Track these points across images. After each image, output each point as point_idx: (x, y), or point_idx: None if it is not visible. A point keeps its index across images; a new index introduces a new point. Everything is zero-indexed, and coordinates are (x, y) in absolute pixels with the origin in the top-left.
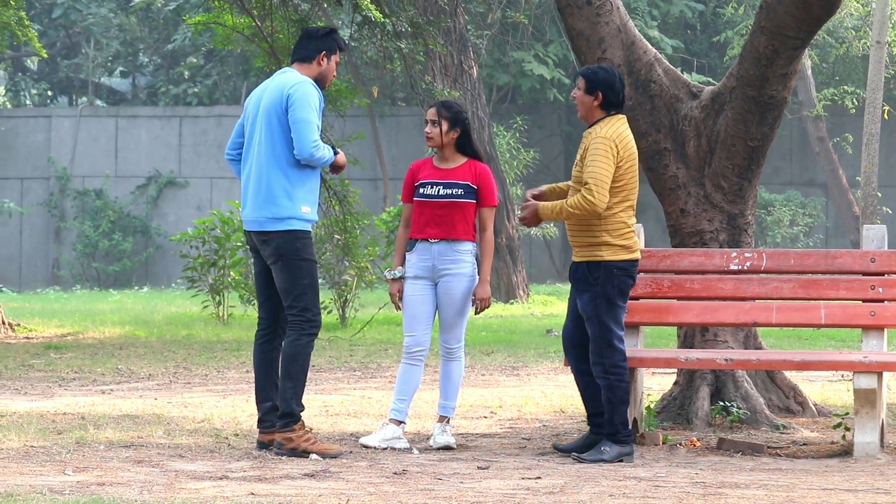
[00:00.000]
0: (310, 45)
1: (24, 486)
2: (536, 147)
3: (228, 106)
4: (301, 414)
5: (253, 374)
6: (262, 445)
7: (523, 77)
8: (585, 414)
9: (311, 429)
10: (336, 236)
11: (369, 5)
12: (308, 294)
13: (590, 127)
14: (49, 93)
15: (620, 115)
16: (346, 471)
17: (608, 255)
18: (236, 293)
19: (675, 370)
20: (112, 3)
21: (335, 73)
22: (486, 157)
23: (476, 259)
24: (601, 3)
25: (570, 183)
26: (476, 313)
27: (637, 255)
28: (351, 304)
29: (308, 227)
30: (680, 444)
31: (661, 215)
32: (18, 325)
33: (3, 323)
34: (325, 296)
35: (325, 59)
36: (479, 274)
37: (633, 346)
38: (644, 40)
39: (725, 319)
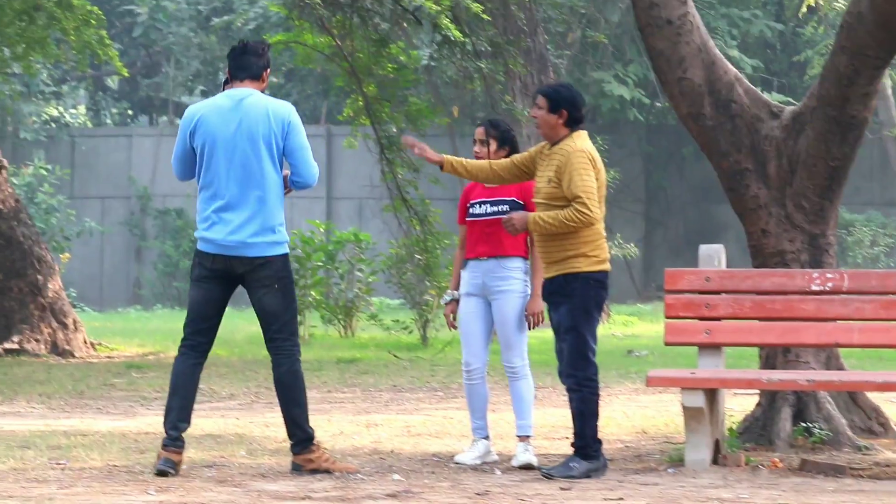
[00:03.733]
0: (259, 63)
1: None
2: (616, 167)
3: (308, 125)
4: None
5: (172, 390)
6: (170, 463)
7: (603, 97)
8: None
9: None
10: (417, 256)
11: (449, 25)
12: (296, 319)
13: (553, 145)
14: (129, 112)
15: (583, 131)
16: (429, 491)
17: (585, 265)
18: (317, 313)
19: (757, 391)
20: (192, 22)
21: None
22: None
23: (528, 275)
24: (682, 23)
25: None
26: (530, 328)
27: (608, 266)
28: (432, 323)
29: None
30: (762, 466)
31: (742, 235)
32: (100, 344)
33: (85, 342)
34: (407, 316)
35: (267, 76)
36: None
37: (715, 367)
38: (724, 60)
39: (807, 340)
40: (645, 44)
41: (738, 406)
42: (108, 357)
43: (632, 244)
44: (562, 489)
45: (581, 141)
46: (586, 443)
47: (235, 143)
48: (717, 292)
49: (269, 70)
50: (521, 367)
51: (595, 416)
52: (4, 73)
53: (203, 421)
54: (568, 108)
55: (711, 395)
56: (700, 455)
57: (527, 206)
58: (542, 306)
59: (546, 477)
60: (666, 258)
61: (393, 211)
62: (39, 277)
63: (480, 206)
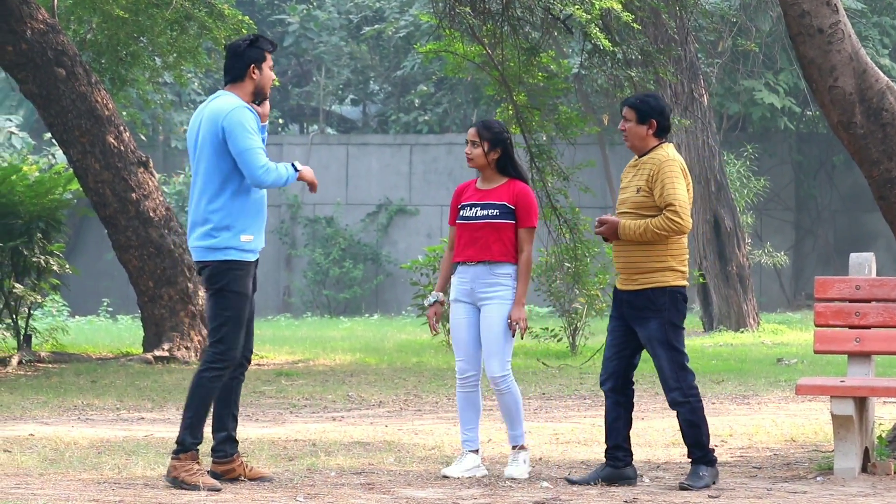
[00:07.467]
0: (238, 63)
1: None
2: (767, 175)
3: (458, 134)
4: (195, 446)
5: None
6: (214, 475)
7: (754, 105)
8: (606, 445)
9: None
10: (566, 264)
11: (599, 34)
12: (227, 327)
13: (642, 155)
14: (280, 120)
15: (670, 142)
16: (577, 499)
17: (672, 279)
18: None
19: None
20: (343, 32)
21: (273, 77)
22: (711, 181)
23: (515, 281)
24: (833, 31)
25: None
26: (517, 336)
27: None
28: (581, 331)
29: (246, 257)
30: None
31: (892, 244)
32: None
33: None
34: (556, 324)
35: (257, 72)
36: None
37: (865, 375)
38: (876, 68)
39: None
40: (796, 52)
41: (888, 414)
42: (258, 365)
43: (781, 252)
44: (710, 497)
45: (672, 151)
46: (705, 450)
47: (196, 151)
48: (868, 301)
49: (255, 64)
50: (501, 379)
51: (705, 422)
52: (156, 82)
53: (352, 428)
54: (657, 118)
55: (861, 403)
56: (849, 463)
57: (517, 211)
58: (525, 314)
59: (683, 489)
60: (815, 267)
61: (543, 219)
62: (190, 285)
63: (471, 209)
